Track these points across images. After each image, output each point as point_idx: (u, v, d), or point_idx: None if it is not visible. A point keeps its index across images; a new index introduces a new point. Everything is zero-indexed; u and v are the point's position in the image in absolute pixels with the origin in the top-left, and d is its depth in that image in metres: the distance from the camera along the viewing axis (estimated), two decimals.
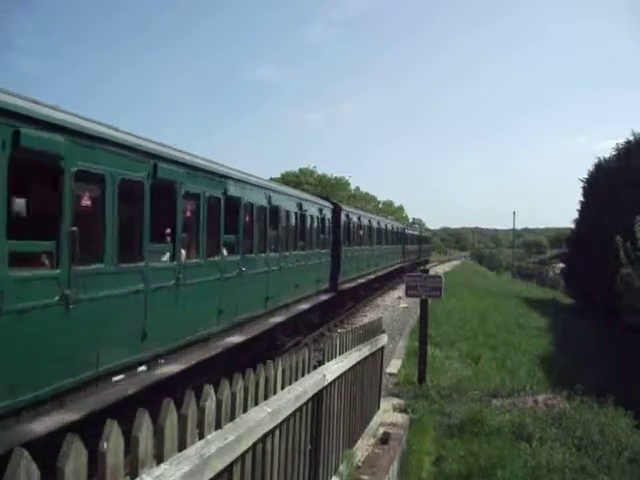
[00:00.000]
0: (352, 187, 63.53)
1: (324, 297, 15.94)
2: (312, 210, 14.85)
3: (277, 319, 11.49)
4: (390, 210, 72.87)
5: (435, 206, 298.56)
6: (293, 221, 13.20)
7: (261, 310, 10.80)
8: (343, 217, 18.68)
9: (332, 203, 18.43)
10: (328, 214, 16.94)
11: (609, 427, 7.55)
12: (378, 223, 26.50)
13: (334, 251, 17.43)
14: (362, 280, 21.60)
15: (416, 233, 46.82)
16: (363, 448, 5.75)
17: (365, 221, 22.81)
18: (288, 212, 12.62)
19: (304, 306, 13.72)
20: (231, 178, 9.32)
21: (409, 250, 38.98)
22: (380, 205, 72.96)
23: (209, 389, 2.20)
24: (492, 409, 8.20)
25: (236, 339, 9.22)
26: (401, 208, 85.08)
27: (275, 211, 11.69)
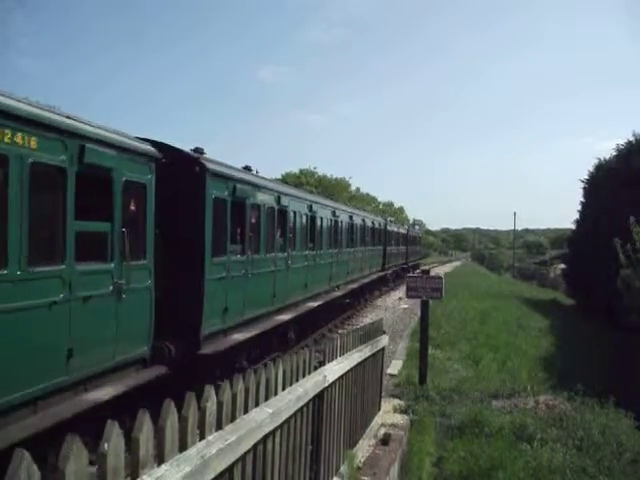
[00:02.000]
0: (353, 188, 63.69)
1: (120, 387, 6.17)
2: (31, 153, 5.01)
3: None
4: (391, 211, 72.96)
5: (436, 207, 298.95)
6: None
7: None
8: (218, 190, 8.70)
9: (157, 146, 7.42)
10: (141, 174, 6.91)
11: (610, 428, 7.54)
12: (334, 213, 16.96)
13: (179, 267, 7.82)
14: (286, 316, 11.73)
15: (402, 231, 37.27)
16: (364, 449, 5.75)
17: (301, 208, 13.36)
18: None
19: None
20: None
21: (392, 253, 30.49)
22: (380, 206, 73.06)
23: (210, 390, 2.20)
24: (493, 410, 8.18)
25: None
26: (402, 209, 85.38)
27: None
